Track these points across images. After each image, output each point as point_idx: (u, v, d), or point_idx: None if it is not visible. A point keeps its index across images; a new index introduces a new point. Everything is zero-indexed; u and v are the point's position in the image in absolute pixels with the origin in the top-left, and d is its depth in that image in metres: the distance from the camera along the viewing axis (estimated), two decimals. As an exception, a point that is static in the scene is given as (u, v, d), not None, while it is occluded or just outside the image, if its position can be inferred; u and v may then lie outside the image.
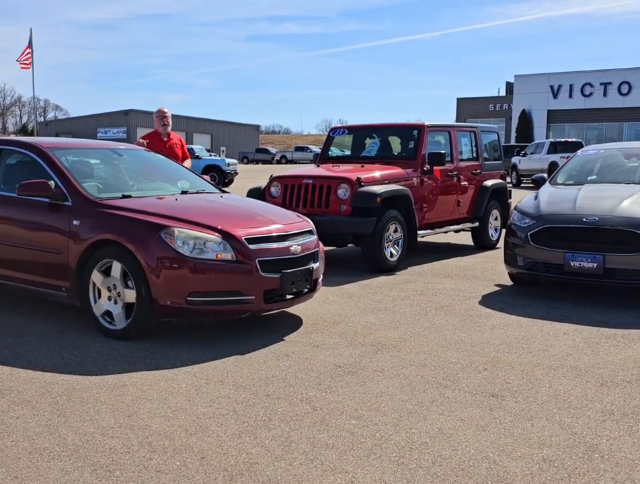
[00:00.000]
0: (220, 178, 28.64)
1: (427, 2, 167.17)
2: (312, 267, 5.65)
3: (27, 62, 27.63)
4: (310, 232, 5.90)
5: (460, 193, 9.97)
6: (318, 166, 9.92)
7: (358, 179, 8.28)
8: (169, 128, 8.51)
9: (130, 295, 5.15)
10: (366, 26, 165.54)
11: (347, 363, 4.80)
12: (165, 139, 8.44)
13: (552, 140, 31.07)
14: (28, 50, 27.40)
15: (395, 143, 10.05)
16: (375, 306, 6.57)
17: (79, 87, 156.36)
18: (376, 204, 8.17)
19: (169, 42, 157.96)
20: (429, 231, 9.44)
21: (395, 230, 8.49)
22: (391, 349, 5.14)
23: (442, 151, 9.41)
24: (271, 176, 9.08)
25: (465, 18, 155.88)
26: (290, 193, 8.63)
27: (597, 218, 6.60)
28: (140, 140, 8.32)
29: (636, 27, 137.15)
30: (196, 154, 30.87)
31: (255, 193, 9.04)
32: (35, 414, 3.82)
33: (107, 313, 5.32)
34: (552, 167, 25.05)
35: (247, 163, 63.78)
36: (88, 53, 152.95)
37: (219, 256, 5.09)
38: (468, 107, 55.47)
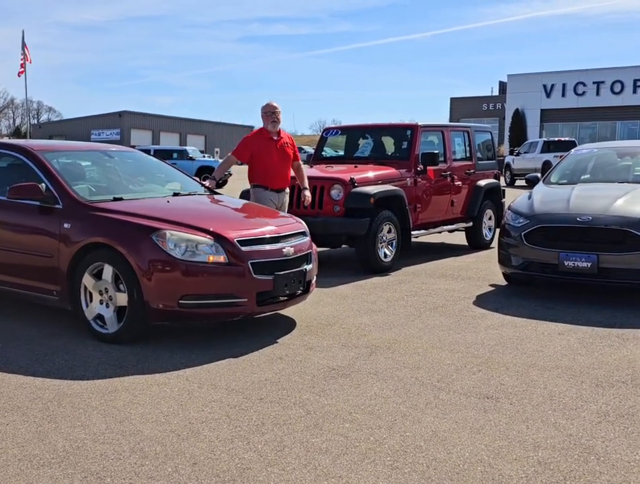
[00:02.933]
0: (214, 179, 28.58)
1: (417, 3, 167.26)
2: (306, 269, 5.61)
3: (21, 67, 27.44)
4: (303, 233, 5.86)
5: (453, 193, 9.95)
6: (311, 167, 9.88)
7: (352, 179, 8.25)
8: (279, 126, 7.42)
9: (122, 298, 5.11)
10: (358, 27, 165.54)
11: (341, 365, 4.77)
12: (275, 138, 7.33)
13: (545, 139, 31.09)
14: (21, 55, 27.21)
15: (389, 143, 10.03)
16: (369, 307, 6.54)
17: (71, 88, 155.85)
18: (369, 205, 8.14)
19: (160, 43, 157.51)
20: (423, 231, 9.42)
21: (389, 231, 8.46)
22: (385, 351, 5.11)
23: (436, 151, 9.40)
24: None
25: (456, 18, 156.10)
26: (283, 195, 8.59)
27: (590, 218, 6.59)
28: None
29: (625, 27, 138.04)
30: (190, 155, 30.85)
31: (248, 195, 8.99)
32: (25, 420, 3.77)
33: (99, 317, 5.27)
34: (546, 166, 25.06)
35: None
36: (79, 55, 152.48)
37: (211, 258, 5.06)
38: (461, 106, 55.55)
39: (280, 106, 7.35)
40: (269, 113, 7.29)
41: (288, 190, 7.50)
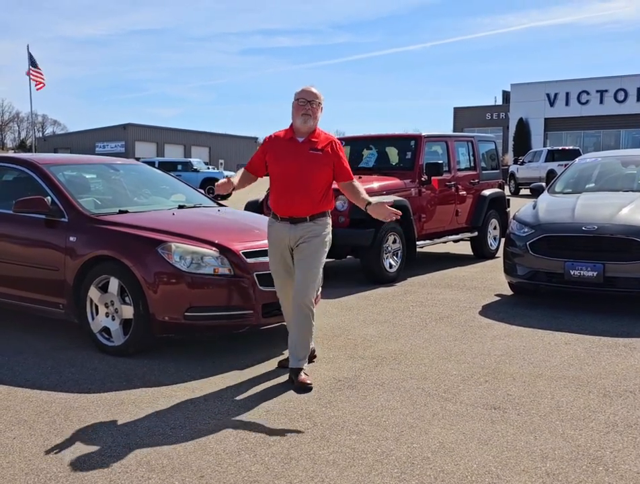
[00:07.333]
0: (219, 191, 28.65)
1: (414, 14, 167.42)
2: (311, 280, 5.59)
3: (40, 81, 27.79)
4: (308, 244, 5.84)
5: (458, 203, 9.96)
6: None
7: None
8: (314, 123, 4.64)
9: (128, 311, 5.11)
10: (358, 38, 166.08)
11: (347, 377, 4.75)
12: (300, 140, 4.64)
13: (549, 148, 31.12)
14: (34, 69, 27.55)
15: (393, 154, 10.05)
16: (374, 318, 6.53)
17: (76, 102, 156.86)
18: (374, 216, 8.12)
19: (162, 56, 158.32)
20: (428, 242, 9.42)
21: (394, 241, 8.46)
22: (391, 362, 5.09)
23: (440, 161, 9.41)
24: (268, 189, 9.04)
25: (453, 29, 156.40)
26: (288, 206, 8.58)
27: (596, 227, 6.58)
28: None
29: (623, 36, 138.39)
30: (194, 167, 30.97)
31: (253, 206, 9.02)
32: (32, 434, 3.77)
33: (105, 330, 5.28)
34: (550, 175, 25.09)
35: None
36: (83, 68, 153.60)
37: (217, 270, 5.06)
38: (465, 116, 55.57)
39: (321, 95, 4.67)
40: (302, 101, 4.59)
41: (328, 221, 4.77)
